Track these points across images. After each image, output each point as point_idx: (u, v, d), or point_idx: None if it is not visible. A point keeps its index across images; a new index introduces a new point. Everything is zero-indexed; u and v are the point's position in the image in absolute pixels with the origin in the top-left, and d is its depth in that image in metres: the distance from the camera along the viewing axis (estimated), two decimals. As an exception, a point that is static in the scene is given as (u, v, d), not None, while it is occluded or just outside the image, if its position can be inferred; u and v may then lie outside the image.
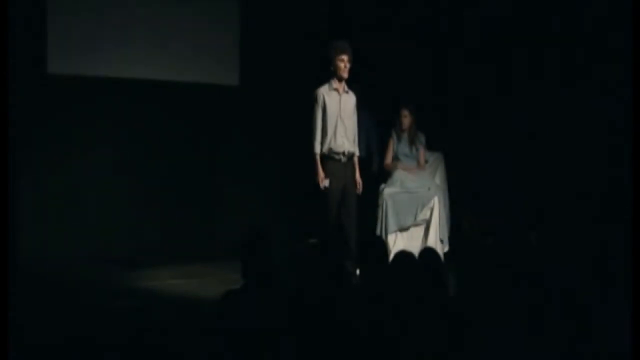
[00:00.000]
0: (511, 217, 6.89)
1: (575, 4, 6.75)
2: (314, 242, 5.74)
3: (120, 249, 7.27)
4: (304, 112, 6.18)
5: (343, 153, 6.06)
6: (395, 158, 7.24)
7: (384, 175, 7.21)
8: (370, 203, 6.78)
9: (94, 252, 7.13)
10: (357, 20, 8.08)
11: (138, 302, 5.57)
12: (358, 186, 6.18)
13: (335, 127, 6.02)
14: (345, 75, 6.01)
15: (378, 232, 6.84)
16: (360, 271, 4.12)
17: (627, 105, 5.10)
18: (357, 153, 6.24)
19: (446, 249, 6.96)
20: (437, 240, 6.89)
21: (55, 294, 5.73)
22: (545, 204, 6.84)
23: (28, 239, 6.77)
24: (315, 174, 5.98)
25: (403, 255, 3.92)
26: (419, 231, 6.96)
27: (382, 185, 7.00)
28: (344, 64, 5.98)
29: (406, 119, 7.17)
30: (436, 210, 6.90)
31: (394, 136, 7.25)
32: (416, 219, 6.90)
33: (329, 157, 6.02)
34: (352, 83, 6.20)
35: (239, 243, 3.61)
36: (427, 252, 4.01)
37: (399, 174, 7.07)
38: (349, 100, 6.15)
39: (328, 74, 6.07)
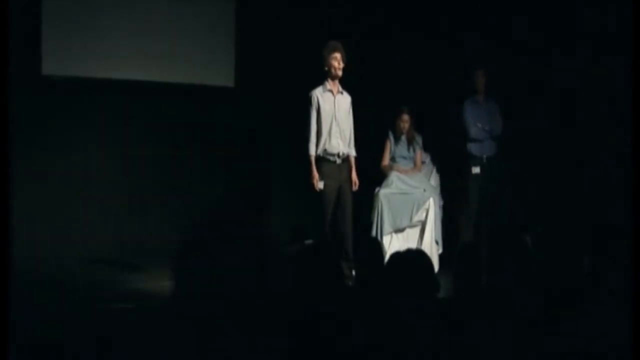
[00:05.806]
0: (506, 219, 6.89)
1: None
2: (310, 243, 5.73)
3: (118, 249, 7.24)
4: (300, 114, 6.17)
5: (338, 154, 6.06)
6: (392, 159, 7.22)
7: (379, 177, 7.18)
8: (366, 204, 6.77)
9: (92, 252, 7.10)
10: (354, 21, 8.06)
11: (135, 303, 5.56)
12: (354, 185, 6.17)
13: (330, 128, 6.03)
14: (339, 73, 6.03)
15: (373, 233, 6.82)
16: (356, 273, 4.11)
17: (627, 106, 5.10)
18: (352, 154, 6.23)
19: (440, 250, 6.95)
20: (433, 241, 6.88)
21: (53, 295, 5.71)
22: (542, 205, 6.85)
23: (25, 240, 6.72)
24: (310, 175, 5.98)
25: (399, 256, 3.90)
26: (414, 232, 6.96)
27: (377, 188, 6.99)
28: (337, 62, 6.00)
29: (406, 124, 7.14)
30: (431, 212, 6.90)
31: (391, 138, 7.23)
32: (412, 220, 6.89)
33: (323, 159, 6.03)
34: (350, 83, 6.18)
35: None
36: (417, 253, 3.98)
37: (394, 176, 7.05)
38: (344, 101, 6.15)
39: (324, 74, 6.07)
